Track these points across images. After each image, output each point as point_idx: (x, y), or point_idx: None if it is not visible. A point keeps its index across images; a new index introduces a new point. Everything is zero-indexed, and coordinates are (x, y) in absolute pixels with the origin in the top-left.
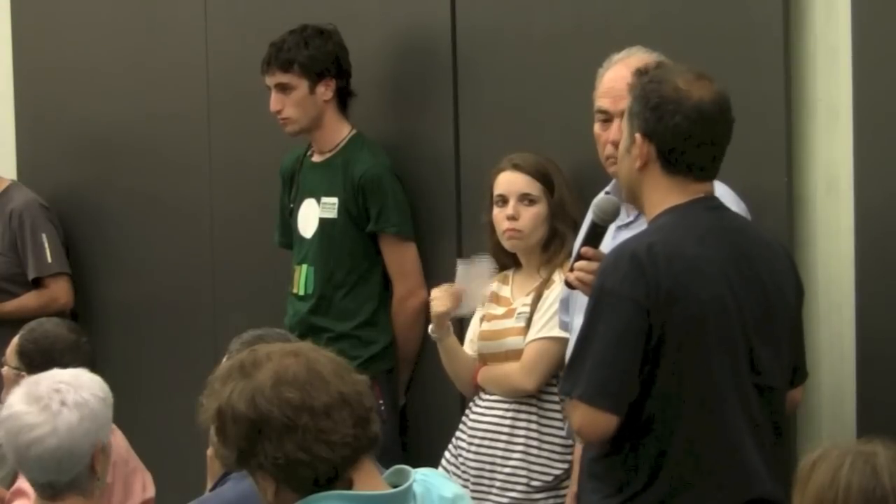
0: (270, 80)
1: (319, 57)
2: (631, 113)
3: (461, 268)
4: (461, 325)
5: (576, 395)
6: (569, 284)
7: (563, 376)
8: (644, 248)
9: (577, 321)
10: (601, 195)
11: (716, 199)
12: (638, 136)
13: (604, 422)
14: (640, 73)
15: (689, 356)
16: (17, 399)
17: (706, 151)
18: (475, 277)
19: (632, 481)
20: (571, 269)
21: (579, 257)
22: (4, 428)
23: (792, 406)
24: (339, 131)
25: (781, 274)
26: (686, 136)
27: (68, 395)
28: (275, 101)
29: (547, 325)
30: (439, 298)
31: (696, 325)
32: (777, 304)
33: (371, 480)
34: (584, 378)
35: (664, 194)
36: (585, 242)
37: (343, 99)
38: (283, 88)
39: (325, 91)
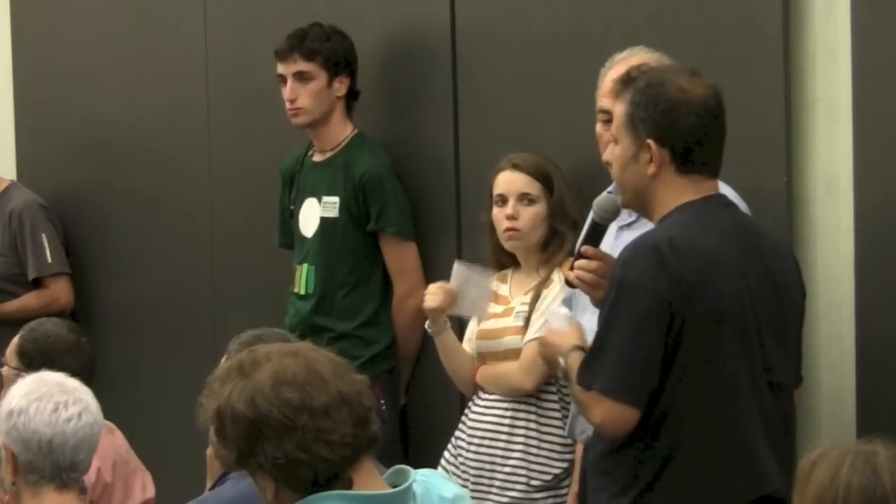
0: (289, 69)
1: (340, 52)
2: (634, 120)
3: (457, 268)
4: (460, 325)
5: (597, 387)
6: (569, 283)
7: (582, 369)
8: (665, 240)
9: (582, 320)
10: (603, 194)
11: (725, 196)
12: (651, 142)
13: (627, 415)
14: (631, 78)
15: (707, 350)
16: (37, 385)
17: (716, 147)
18: (473, 283)
19: (641, 477)
20: (572, 268)
21: (580, 256)
22: (34, 410)
23: None
24: (342, 130)
25: (788, 273)
26: (701, 134)
27: (74, 381)
28: (291, 89)
29: (546, 325)
30: (432, 294)
31: (716, 320)
32: (787, 301)
33: (371, 480)
34: (607, 370)
35: (678, 194)
36: (585, 241)
37: (350, 99)
38: (302, 77)
39: (340, 87)
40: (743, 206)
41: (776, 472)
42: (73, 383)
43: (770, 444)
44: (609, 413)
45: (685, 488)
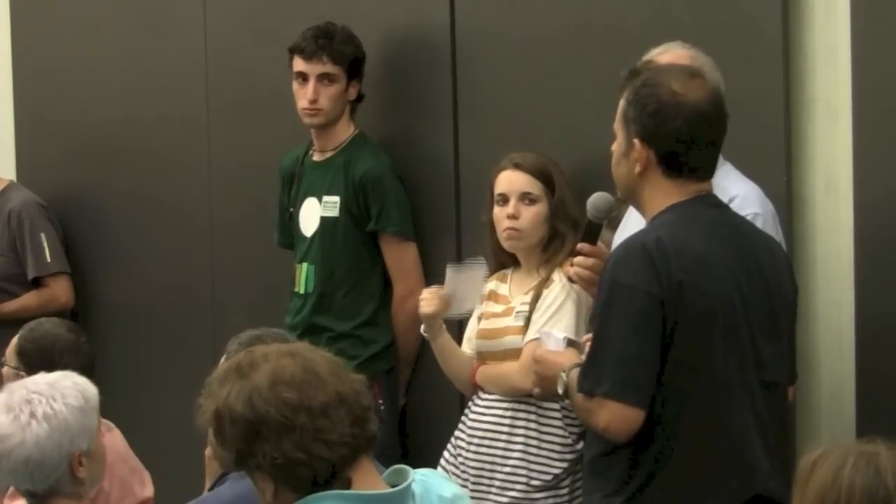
0: (314, 69)
1: (359, 57)
2: (626, 118)
3: (450, 271)
4: (460, 324)
5: (601, 392)
6: (570, 279)
7: (582, 374)
8: (653, 241)
9: None
10: (596, 193)
11: (715, 196)
12: (637, 141)
13: (633, 417)
14: (632, 74)
15: (698, 350)
16: None
17: (706, 153)
18: (467, 280)
19: (634, 478)
20: (572, 265)
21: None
22: None
23: None
24: (345, 131)
25: (780, 271)
26: (687, 139)
27: (38, 407)
28: (314, 89)
29: (546, 324)
30: (427, 300)
31: (706, 320)
32: (779, 300)
33: (370, 480)
34: (608, 374)
35: (665, 196)
36: (582, 239)
37: (355, 102)
38: (325, 78)
39: (353, 91)
40: (768, 207)
41: (769, 471)
42: (35, 407)
43: (764, 443)
44: (614, 416)
45: (678, 489)
